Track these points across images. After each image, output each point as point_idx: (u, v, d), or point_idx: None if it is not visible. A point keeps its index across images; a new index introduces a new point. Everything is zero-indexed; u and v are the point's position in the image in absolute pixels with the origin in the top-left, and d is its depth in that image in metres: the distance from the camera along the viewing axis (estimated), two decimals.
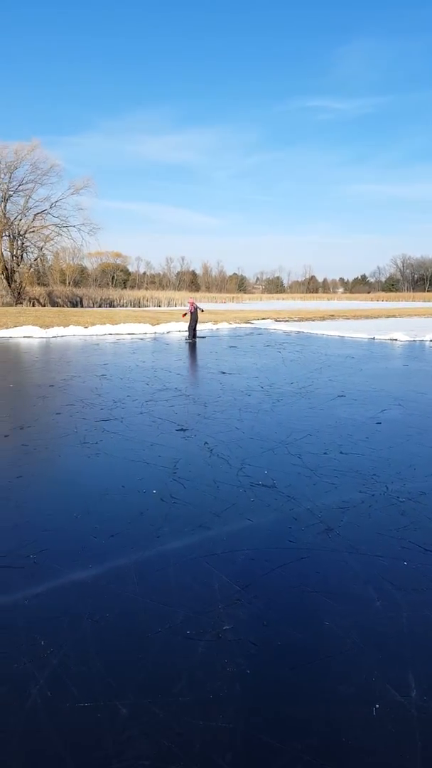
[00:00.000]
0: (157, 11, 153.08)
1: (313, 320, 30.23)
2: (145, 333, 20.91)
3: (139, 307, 52.23)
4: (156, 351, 15.46)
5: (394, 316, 35.45)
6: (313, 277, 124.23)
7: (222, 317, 28.31)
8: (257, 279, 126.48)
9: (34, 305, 39.36)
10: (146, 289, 79.67)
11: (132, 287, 79.99)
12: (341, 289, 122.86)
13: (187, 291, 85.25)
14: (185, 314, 18.54)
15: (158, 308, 48.64)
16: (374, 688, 2.40)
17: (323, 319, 31.56)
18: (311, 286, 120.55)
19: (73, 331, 20.10)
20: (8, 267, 37.94)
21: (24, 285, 39.74)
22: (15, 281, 38.46)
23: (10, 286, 37.77)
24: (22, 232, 38.46)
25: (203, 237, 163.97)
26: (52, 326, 20.56)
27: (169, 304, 58.01)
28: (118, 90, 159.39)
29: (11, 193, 37.51)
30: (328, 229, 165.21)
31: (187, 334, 18.77)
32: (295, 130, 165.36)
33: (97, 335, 19.96)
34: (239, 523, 4.04)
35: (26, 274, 39.98)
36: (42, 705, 2.28)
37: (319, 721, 2.23)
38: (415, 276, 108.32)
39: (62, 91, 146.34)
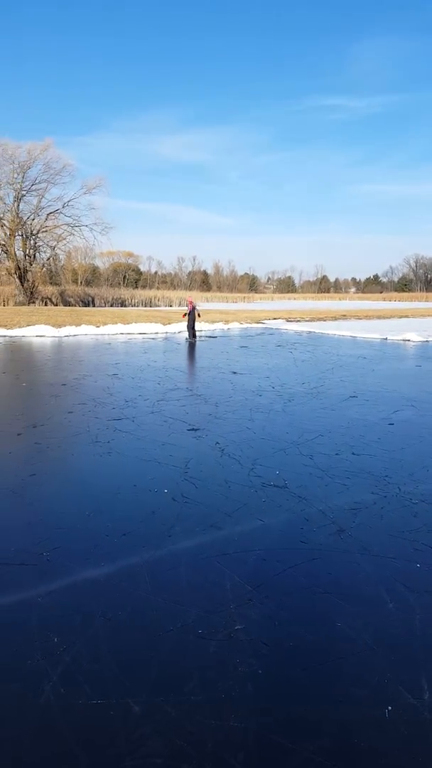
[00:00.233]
0: (169, 12, 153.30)
1: (325, 320, 30.12)
2: (157, 333, 20.97)
3: (151, 306, 52.38)
4: (167, 351, 15.50)
5: (407, 316, 35.22)
6: (324, 277, 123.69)
7: (233, 317, 28.31)
8: (268, 279, 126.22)
9: (46, 304, 39.62)
10: (157, 288, 79.87)
11: (143, 287, 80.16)
12: (353, 289, 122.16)
13: (198, 291, 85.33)
14: (185, 314, 18.17)
15: (169, 308, 48.74)
16: (387, 689, 2.39)
17: (335, 319, 31.43)
18: (323, 286, 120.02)
19: (85, 331, 20.23)
20: (21, 266, 38.22)
21: (37, 284, 40.05)
22: (28, 281, 38.74)
23: (23, 286, 38.05)
24: (34, 232, 38.73)
25: (215, 236, 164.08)
26: (65, 325, 20.70)
27: (180, 304, 58.00)
28: (131, 90, 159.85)
29: (24, 192, 37.77)
30: (340, 228, 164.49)
31: (187, 334, 18.49)
32: (307, 129, 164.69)
33: (108, 335, 20.06)
34: (251, 523, 4.05)
35: (39, 274, 40.28)
36: (55, 701, 2.30)
37: (331, 722, 2.23)
38: (429, 276, 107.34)
39: (75, 92, 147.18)
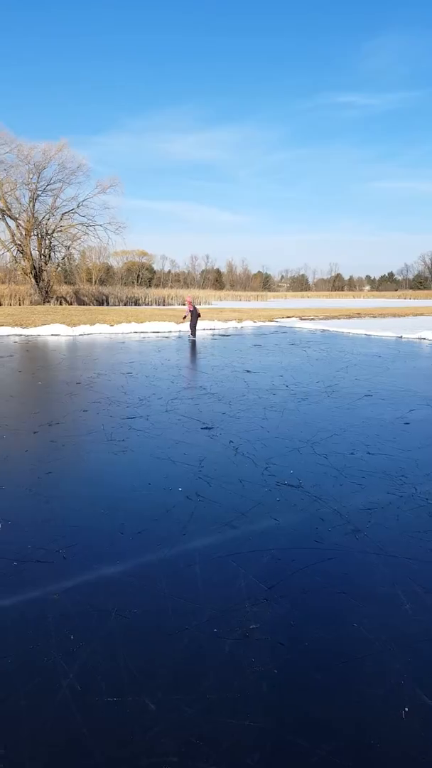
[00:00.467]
0: (183, 11, 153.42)
1: (339, 318, 29.92)
2: (170, 331, 21.00)
3: (164, 305, 52.44)
4: (180, 349, 15.52)
5: (422, 314, 34.82)
6: (338, 275, 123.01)
7: (246, 315, 28.26)
8: (282, 277, 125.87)
9: (61, 303, 39.94)
10: (171, 287, 79.90)
11: (157, 285, 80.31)
12: (368, 287, 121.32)
13: (211, 289, 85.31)
14: (185, 316, 17.91)
15: (183, 306, 48.72)
16: (403, 691, 2.37)
17: (349, 317, 31.21)
18: (337, 284, 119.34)
19: (99, 329, 20.32)
20: (37, 266, 38.57)
21: (52, 284, 40.38)
22: (43, 280, 39.09)
23: (38, 285, 38.40)
24: (50, 232, 39.05)
25: (228, 235, 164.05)
26: (79, 324, 20.84)
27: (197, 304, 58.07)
28: (145, 89, 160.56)
29: (39, 192, 38.09)
30: (354, 226, 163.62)
31: (189, 332, 18.31)
32: (321, 127, 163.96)
33: (122, 333, 20.13)
34: (265, 523, 4.04)
35: (54, 273, 40.62)
36: (72, 698, 2.32)
37: (348, 723, 2.21)
38: None
39: (90, 92, 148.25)
